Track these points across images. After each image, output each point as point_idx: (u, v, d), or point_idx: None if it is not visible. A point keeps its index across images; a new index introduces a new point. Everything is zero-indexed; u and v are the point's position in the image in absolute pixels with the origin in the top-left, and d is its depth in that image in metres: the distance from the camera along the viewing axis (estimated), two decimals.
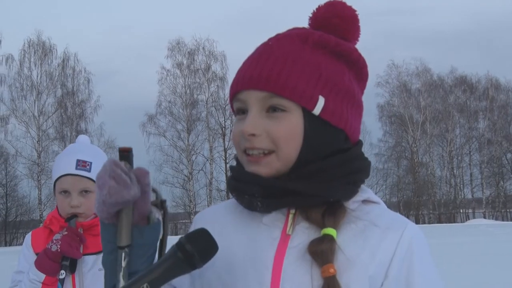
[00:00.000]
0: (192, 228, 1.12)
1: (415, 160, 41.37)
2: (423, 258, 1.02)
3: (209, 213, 1.18)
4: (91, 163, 2.15)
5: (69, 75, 36.71)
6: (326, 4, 1.10)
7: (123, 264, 0.99)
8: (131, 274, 1.00)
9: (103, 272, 2.05)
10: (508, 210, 42.84)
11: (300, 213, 1.03)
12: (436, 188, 42.47)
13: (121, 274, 0.99)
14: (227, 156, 41.23)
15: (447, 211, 41.59)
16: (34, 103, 35.22)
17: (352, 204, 1.05)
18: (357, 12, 1.10)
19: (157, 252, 1.06)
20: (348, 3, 1.13)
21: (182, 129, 39.17)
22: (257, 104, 1.01)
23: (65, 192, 2.13)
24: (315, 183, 1.01)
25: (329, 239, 0.97)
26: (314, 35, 1.05)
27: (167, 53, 39.24)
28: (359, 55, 1.09)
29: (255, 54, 1.07)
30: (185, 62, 39.15)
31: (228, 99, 1.10)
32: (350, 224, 1.02)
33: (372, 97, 40.55)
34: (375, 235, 1.01)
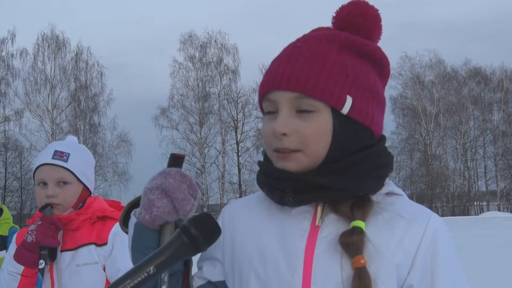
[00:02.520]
0: (220, 220, 1.18)
1: (429, 153, 41.12)
2: (446, 248, 1.06)
3: (237, 206, 1.22)
4: (69, 154, 2.12)
5: (82, 68, 36.94)
6: (349, 4, 1.13)
7: (166, 278, 1.02)
8: (172, 274, 1.05)
9: (80, 268, 2.06)
10: None
11: (329, 205, 1.07)
12: (450, 180, 42.21)
13: (167, 275, 1.02)
14: (239, 149, 41.31)
15: (461, 204, 41.36)
16: (48, 96, 35.51)
17: (377, 196, 1.09)
18: (379, 12, 1.14)
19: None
20: None
21: (195, 122, 39.30)
22: (287, 104, 1.05)
23: (43, 183, 2.09)
24: (344, 179, 1.05)
25: (359, 231, 1.02)
26: (340, 36, 1.09)
27: (179, 46, 39.31)
28: (382, 53, 1.13)
29: (284, 55, 1.10)
30: (197, 55, 39.22)
31: (258, 99, 1.14)
32: (377, 215, 1.06)
33: (385, 89, 40.37)
34: (400, 225, 1.05)
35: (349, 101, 1.05)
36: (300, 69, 1.05)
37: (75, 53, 36.63)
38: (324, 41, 1.08)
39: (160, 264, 0.89)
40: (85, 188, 2.18)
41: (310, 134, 1.04)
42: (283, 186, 1.06)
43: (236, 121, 40.97)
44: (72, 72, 36.46)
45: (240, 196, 40.80)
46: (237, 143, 41.02)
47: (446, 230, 1.09)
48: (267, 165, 1.11)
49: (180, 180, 1.04)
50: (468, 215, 39.31)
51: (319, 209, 1.08)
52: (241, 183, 41.21)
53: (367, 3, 1.13)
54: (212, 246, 1.15)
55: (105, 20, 71.74)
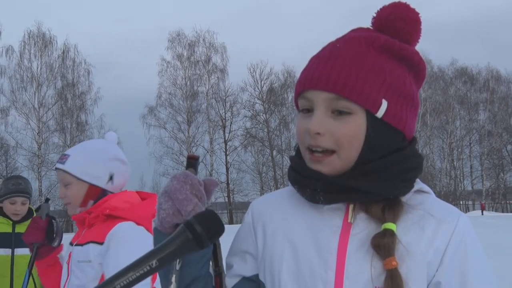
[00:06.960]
0: (249, 214, 1.20)
1: None
2: (475, 247, 1.09)
3: (265, 200, 1.23)
4: (68, 156, 2.19)
5: (69, 66, 36.77)
6: (390, 5, 1.13)
7: (177, 267, 1.03)
8: (194, 279, 1.07)
9: (80, 264, 2.12)
10: (508, 202, 43.02)
11: (360, 204, 1.09)
12: (436, 180, 42.54)
13: (174, 277, 1.03)
14: (227, 148, 41.27)
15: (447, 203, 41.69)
16: (34, 94, 35.27)
17: (406, 195, 1.10)
18: (420, 15, 1.14)
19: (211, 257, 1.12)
20: None
21: (182, 121, 39.27)
22: (323, 105, 1.06)
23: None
24: (375, 181, 1.06)
25: (390, 233, 1.03)
26: (380, 39, 1.09)
27: (167, 44, 39.32)
28: (420, 58, 1.14)
29: (323, 54, 1.11)
30: (185, 53, 39.19)
31: (293, 95, 1.14)
32: (407, 214, 1.08)
33: None
34: (431, 224, 1.07)
35: (384, 105, 1.05)
36: (338, 70, 1.06)
37: (62, 50, 36.46)
38: (363, 43, 1.09)
39: (163, 258, 0.90)
40: (92, 185, 2.18)
41: (344, 135, 1.04)
42: (315, 185, 1.08)
43: (224, 120, 40.96)
44: (59, 70, 36.26)
45: (228, 196, 40.75)
46: (225, 142, 41.03)
47: (473, 230, 1.11)
48: (299, 163, 1.12)
49: (183, 181, 1.05)
50: None
51: (351, 207, 1.09)
52: (229, 182, 41.16)
53: (408, 6, 1.13)
54: (243, 240, 1.18)
55: (92, 18, 71.35)
